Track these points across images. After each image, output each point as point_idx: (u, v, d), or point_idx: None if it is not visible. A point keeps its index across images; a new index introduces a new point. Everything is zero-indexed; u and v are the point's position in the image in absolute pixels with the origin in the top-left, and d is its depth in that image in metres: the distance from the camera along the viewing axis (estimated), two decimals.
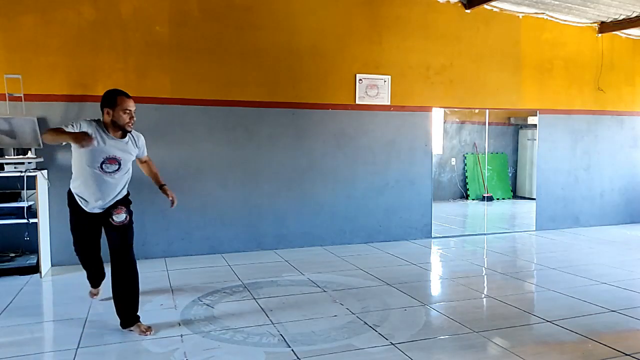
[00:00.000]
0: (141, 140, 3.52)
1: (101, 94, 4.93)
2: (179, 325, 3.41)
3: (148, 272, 4.76)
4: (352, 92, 5.94)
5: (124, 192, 3.41)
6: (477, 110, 7.26)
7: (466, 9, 6.31)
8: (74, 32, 4.95)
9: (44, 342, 3.28)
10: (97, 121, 3.25)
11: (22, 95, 4.68)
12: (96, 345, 3.09)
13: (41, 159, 4.74)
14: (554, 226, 7.07)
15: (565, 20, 6.85)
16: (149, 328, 3.25)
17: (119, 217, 3.28)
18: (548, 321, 3.48)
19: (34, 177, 4.49)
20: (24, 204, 4.55)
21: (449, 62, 6.33)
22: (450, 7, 6.27)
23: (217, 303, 3.87)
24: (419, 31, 6.17)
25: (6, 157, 4.55)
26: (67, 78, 4.95)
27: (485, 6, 6.31)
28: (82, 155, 3.19)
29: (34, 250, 4.63)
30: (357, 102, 5.96)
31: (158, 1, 5.19)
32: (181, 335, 3.22)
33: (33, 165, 4.65)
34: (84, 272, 4.88)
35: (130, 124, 3.23)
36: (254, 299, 3.98)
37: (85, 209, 3.31)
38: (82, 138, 3.00)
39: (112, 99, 3.18)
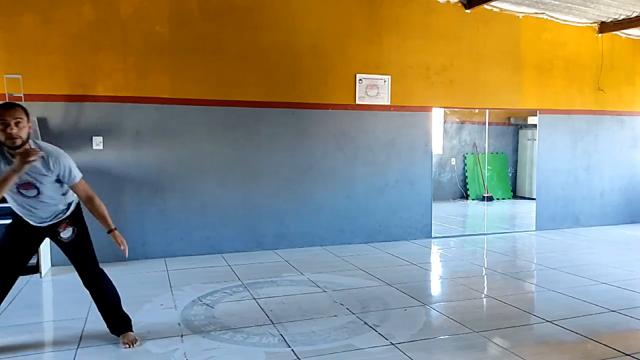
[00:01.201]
0: (57, 160, 2.82)
1: (101, 93, 5.04)
2: (179, 325, 3.41)
3: (148, 272, 4.76)
4: (352, 92, 5.94)
5: (69, 213, 3.04)
6: (477, 110, 7.26)
7: (466, 9, 6.31)
8: (74, 32, 4.95)
9: (44, 342, 3.28)
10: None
11: (22, 95, 4.67)
12: (96, 345, 3.08)
13: None
14: (554, 226, 7.07)
15: (565, 20, 6.85)
16: (135, 340, 3.07)
17: (65, 233, 3.03)
18: (548, 321, 3.48)
19: None
20: None
21: (449, 62, 6.33)
22: (450, 7, 6.27)
23: (217, 303, 3.87)
24: (419, 31, 6.17)
25: None
26: (67, 78, 4.95)
27: (485, 6, 6.31)
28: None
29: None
30: (357, 102, 5.96)
31: (158, 1, 5.19)
32: (181, 335, 3.22)
33: None
34: None
35: (9, 139, 2.66)
36: (254, 299, 3.98)
37: (30, 222, 2.97)
38: (22, 164, 2.65)
39: None
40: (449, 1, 6.24)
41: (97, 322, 3.45)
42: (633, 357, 2.90)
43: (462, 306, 3.83)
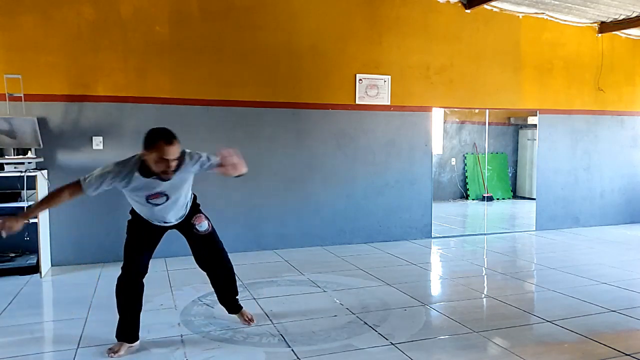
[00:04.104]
0: (192, 162, 2.93)
1: (101, 94, 5.04)
2: (179, 325, 3.41)
3: (148, 272, 4.75)
4: (352, 92, 5.94)
5: (189, 203, 3.17)
6: (477, 110, 7.26)
7: (466, 9, 6.31)
8: (74, 32, 4.95)
9: (44, 342, 3.28)
10: (138, 159, 2.81)
11: (22, 95, 4.67)
12: (96, 345, 3.08)
13: (41, 159, 4.74)
14: (554, 226, 7.07)
15: (565, 20, 6.85)
16: (252, 318, 3.41)
17: (202, 226, 3.13)
18: (548, 321, 3.48)
19: (34, 177, 4.49)
20: (24, 204, 4.55)
21: (449, 62, 6.33)
22: (450, 7, 6.27)
23: (217, 303, 3.85)
24: (419, 31, 6.17)
25: (6, 157, 4.55)
26: (67, 78, 4.95)
27: (485, 6, 6.31)
28: (129, 197, 2.95)
29: (34, 250, 4.63)
30: (357, 102, 5.96)
31: (158, 1, 5.19)
32: (181, 335, 3.22)
33: (33, 165, 4.65)
34: (85, 272, 4.90)
35: (166, 174, 2.77)
36: (254, 299, 3.98)
37: (153, 223, 3.04)
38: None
39: (151, 143, 2.71)
40: (449, 1, 6.24)
41: (97, 322, 3.46)
42: (633, 357, 2.90)
43: (462, 306, 3.83)
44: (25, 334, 3.30)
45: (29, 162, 4.59)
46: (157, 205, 2.93)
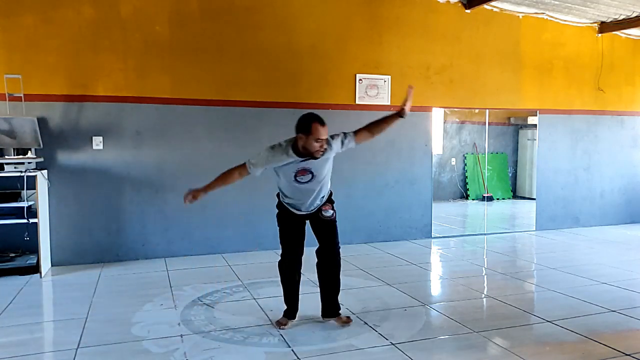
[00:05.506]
0: (334, 142, 3.32)
1: (101, 94, 5.05)
2: (179, 325, 3.41)
3: (148, 272, 4.76)
4: (352, 92, 5.94)
5: (326, 194, 3.53)
6: (477, 110, 7.26)
7: (466, 9, 6.31)
8: (74, 32, 4.95)
9: (44, 342, 3.28)
10: (290, 142, 3.25)
11: (22, 95, 4.67)
12: (96, 345, 3.08)
13: (41, 159, 4.74)
14: (554, 226, 7.07)
15: (565, 20, 6.85)
16: (348, 319, 3.42)
17: (327, 212, 3.47)
18: (548, 321, 3.48)
19: (34, 177, 4.49)
20: (24, 204, 4.55)
21: (449, 62, 6.33)
22: (450, 7, 6.27)
23: (217, 303, 3.87)
24: (419, 31, 6.17)
25: (6, 157, 4.55)
26: (67, 78, 4.95)
27: (485, 6, 6.31)
28: (278, 175, 3.42)
29: (34, 250, 4.63)
30: (357, 102, 5.96)
31: (158, 1, 5.19)
32: (181, 335, 3.22)
33: (33, 165, 4.65)
34: (85, 272, 4.91)
35: (319, 152, 3.18)
36: (254, 299, 3.98)
37: (295, 213, 3.47)
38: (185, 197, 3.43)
39: (307, 126, 3.12)
40: (449, 1, 6.24)
41: (97, 323, 3.46)
42: (633, 357, 2.90)
43: (462, 306, 3.83)
44: (25, 334, 3.30)
45: (29, 162, 4.59)
46: (302, 183, 3.30)
